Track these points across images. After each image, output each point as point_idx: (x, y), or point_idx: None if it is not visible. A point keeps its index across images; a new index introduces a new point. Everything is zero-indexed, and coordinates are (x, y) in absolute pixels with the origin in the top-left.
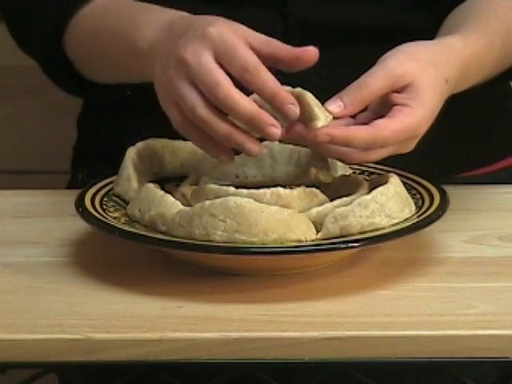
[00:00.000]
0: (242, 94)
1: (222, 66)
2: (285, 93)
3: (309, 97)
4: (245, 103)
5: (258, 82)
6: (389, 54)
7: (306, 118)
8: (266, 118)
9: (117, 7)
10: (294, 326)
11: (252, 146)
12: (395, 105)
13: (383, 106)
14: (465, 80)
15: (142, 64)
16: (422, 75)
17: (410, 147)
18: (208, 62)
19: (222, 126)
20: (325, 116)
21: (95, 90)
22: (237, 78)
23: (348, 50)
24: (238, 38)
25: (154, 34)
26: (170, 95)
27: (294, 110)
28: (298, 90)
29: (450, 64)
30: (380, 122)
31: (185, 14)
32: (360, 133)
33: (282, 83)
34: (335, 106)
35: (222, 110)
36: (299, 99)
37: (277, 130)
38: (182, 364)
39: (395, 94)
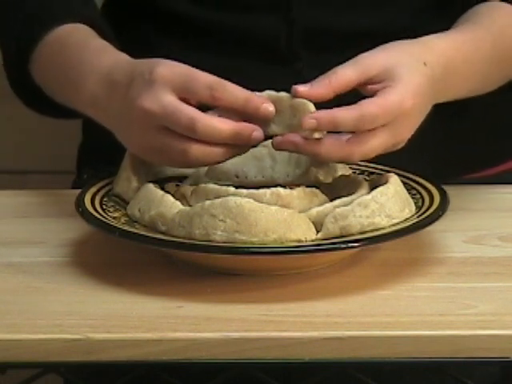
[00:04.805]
0: (216, 117)
1: (184, 100)
2: (255, 96)
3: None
4: (222, 125)
5: (229, 94)
6: None
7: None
8: (246, 127)
9: (67, 46)
10: (294, 326)
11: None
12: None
13: None
14: (453, 74)
15: (87, 112)
16: (394, 60)
17: (403, 133)
18: (171, 102)
19: (217, 150)
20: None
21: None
22: (205, 102)
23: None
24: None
25: (93, 88)
26: (148, 152)
27: (269, 107)
28: (301, 100)
29: (427, 51)
30: (364, 101)
31: (122, 58)
32: (345, 112)
33: (284, 89)
34: (302, 86)
35: (203, 139)
36: (299, 108)
37: (259, 134)
38: (182, 364)
39: (372, 85)
